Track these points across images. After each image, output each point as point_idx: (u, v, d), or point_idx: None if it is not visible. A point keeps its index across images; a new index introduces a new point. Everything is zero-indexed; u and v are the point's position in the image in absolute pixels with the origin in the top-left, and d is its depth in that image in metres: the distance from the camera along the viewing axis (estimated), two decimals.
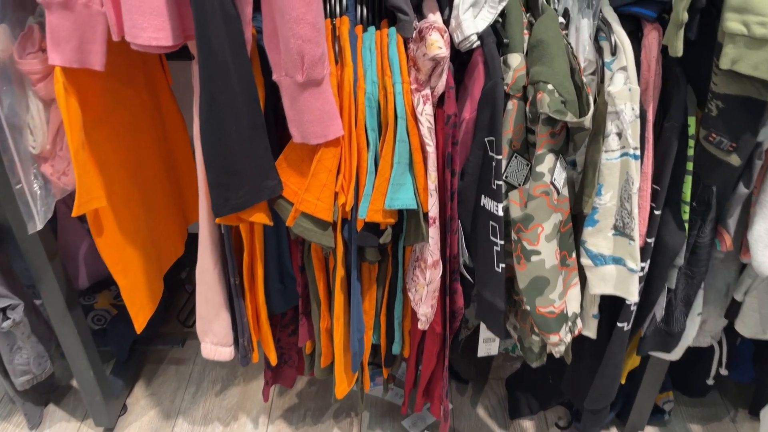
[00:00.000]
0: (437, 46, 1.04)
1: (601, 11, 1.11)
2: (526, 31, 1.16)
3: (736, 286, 1.32)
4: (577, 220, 1.18)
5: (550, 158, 1.04)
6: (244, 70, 0.99)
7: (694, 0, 0.93)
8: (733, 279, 1.35)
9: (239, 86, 0.98)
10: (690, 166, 1.13)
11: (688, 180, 1.14)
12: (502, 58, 1.13)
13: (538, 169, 1.04)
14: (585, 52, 1.14)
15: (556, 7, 1.19)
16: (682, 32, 0.96)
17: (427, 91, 1.11)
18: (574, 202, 1.16)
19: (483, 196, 1.15)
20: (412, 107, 1.10)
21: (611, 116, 1.05)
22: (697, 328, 1.33)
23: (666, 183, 1.09)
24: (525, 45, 1.14)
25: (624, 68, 1.04)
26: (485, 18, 1.12)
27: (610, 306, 1.24)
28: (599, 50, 1.12)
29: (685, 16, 0.94)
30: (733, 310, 1.36)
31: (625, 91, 1.03)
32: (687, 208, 1.16)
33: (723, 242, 1.23)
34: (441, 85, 1.10)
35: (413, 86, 1.10)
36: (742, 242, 1.25)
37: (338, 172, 1.12)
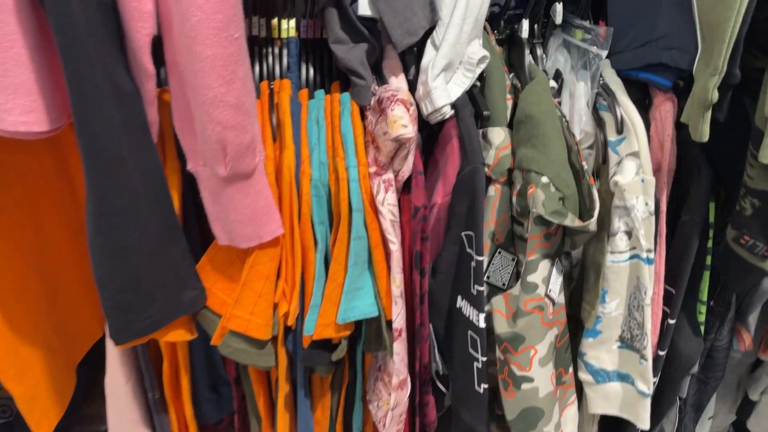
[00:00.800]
0: (401, 124, 0.82)
1: (601, 75, 0.90)
2: (509, 97, 0.95)
3: (752, 384, 1.13)
4: (572, 320, 0.97)
5: (544, 265, 0.82)
6: (148, 161, 0.75)
7: (727, 76, 0.73)
8: (746, 372, 1.16)
9: (142, 183, 0.74)
10: (708, 260, 0.93)
11: (706, 276, 0.94)
12: (481, 131, 0.91)
13: (530, 279, 0.83)
14: (581, 123, 0.93)
15: (545, 66, 0.97)
16: (709, 114, 0.76)
17: (390, 176, 0.88)
18: (570, 304, 0.95)
19: (460, 298, 0.93)
20: (371, 196, 0.88)
21: (619, 211, 0.84)
22: None
23: (683, 286, 0.89)
24: (508, 113, 0.93)
25: (635, 154, 0.83)
26: (460, 84, 0.90)
27: (612, 424, 1.04)
28: (599, 122, 0.92)
29: (716, 96, 0.74)
30: (746, 408, 1.17)
31: (637, 183, 0.82)
32: (704, 309, 0.96)
33: (741, 341, 1.04)
34: (407, 170, 0.88)
35: (372, 169, 0.88)
36: (762, 339, 1.05)
37: (278, 276, 0.89)
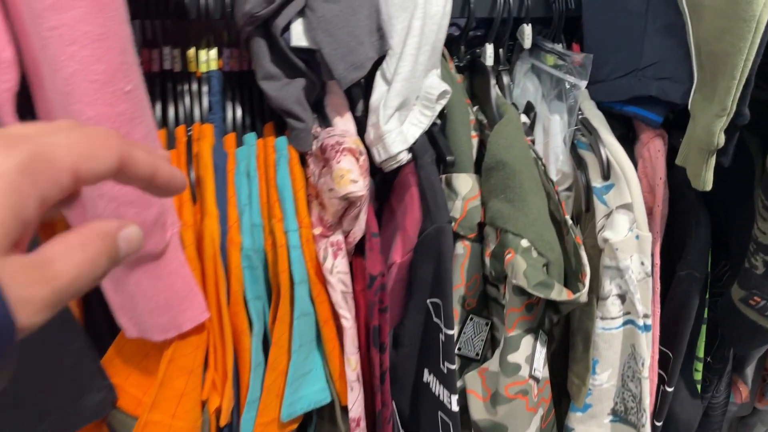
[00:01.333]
0: (350, 179, 0.67)
1: (580, 109, 0.78)
2: (474, 134, 0.82)
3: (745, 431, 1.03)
4: (554, 388, 0.84)
5: (527, 342, 0.69)
6: None
7: (736, 116, 0.61)
8: (735, 418, 1.06)
9: None
10: (706, 312, 0.81)
11: (703, 331, 0.83)
12: (444, 177, 0.77)
13: (511, 359, 0.69)
14: (558, 163, 0.80)
15: (514, 96, 0.84)
16: (713, 160, 0.64)
17: (339, 237, 0.73)
18: (552, 370, 0.82)
19: (427, 371, 0.79)
20: (317, 263, 0.73)
21: (610, 272, 0.71)
22: None
23: (682, 350, 0.77)
24: (474, 152, 0.80)
25: (628, 206, 0.70)
26: (418, 123, 0.76)
27: None
28: (579, 161, 0.79)
29: (722, 140, 0.62)
30: None
31: (631, 241, 0.70)
32: (700, 366, 0.85)
33: (738, 394, 0.93)
34: (359, 230, 0.73)
35: (317, 230, 0.73)
36: (759, 389, 0.95)
37: (206, 367, 0.73)
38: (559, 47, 0.83)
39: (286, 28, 0.70)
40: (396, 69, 0.72)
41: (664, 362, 0.80)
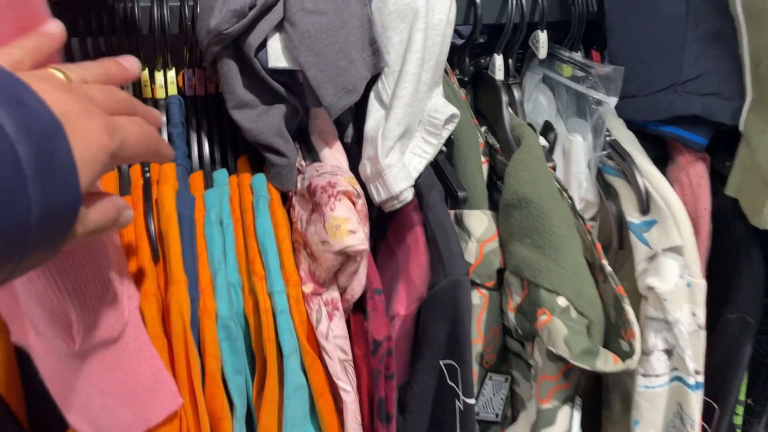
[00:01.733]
0: (347, 230, 0.55)
1: (607, 129, 0.67)
2: (483, 159, 0.70)
3: None
4: None
5: (564, 415, 0.58)
6: None
7: None
8: None
9: None
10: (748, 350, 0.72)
11: (745, 373, 0.73)
12: (453, 214, 0.66)
13: None
14: (581, 190, 0.69)
15: (526, 113, 0.73)
16: None
17: (334, 294, 0.61)
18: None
19: None
20: (309, 326, 0.61)
21: (656, 325, 0.61)
22: None
23: (730, 403, 0.68)
24: (485, 177, 0.68)
25: (676, 249, 0.60)
26: (422, 154, 0.64)
27: None
28: (605, 189, 0.68)
29: None
30: None
31: (682, 290, 0.59)
32: (741, 410, 0.76)
33: None
34: (358, 287, 0.61)
35: (308, 288, 0.60)
36: None
37: None
38: (578, 56, 0.72)
39: (261, 46, 0.57)
40: (395, 91, 0.60)
41: (708, 416, 0.70)
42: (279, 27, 0.57)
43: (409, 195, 0.62)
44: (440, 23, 0.62)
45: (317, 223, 0.58)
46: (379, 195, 0.62)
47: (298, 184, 0.65)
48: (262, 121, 0.60)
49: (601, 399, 0.70)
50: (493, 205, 0.67)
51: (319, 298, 0.61)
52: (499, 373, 0.69)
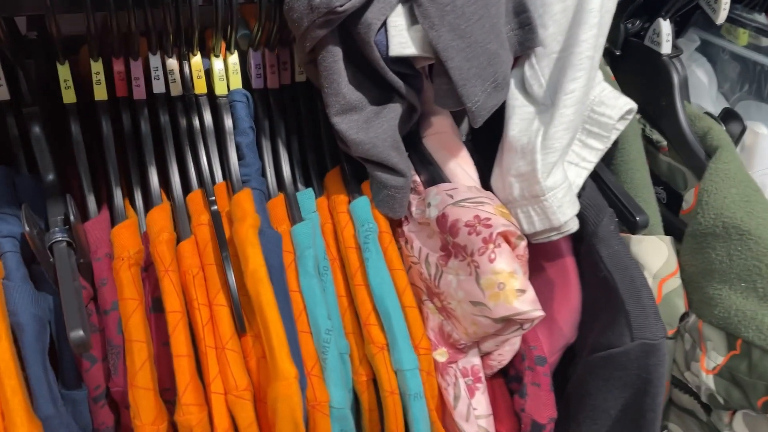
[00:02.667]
0: (515, 289, 0.39)
1: None
2: None
3: None
4: None
5: None
6: None
7: None
8: None
9: None
10: None
11: None
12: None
13: None
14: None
15: (704, 102, 0.56)
16: None
17: (474, 362, 0.46)
18: None
19: None
20: (440, 403, 0.45)
21: None
22: None
23: None
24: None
25: None
26: (581, 163, 0.47)
27: None
28: None
29: None
30: None
31: None
32: None
33: None
34: (509, 354, 0.46)
35: (441, 356, 0.45)
36: None
37: None
38: (762, 18, 0.54)
39: (379, 28, 0.39)
40: (562, 83, 0.43)
41: None
42: (406, 1, 0.39)
43: (574, 226, 0.45)
44: None
45: (462, 275, 0.42)
46: (531, 225, 0.46)
47: (413, 207, 0.48)
48: (373, 129, 0.43)
49: None
50: None
51: (455, 367, 0.46)
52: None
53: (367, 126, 0.43)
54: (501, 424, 0.48)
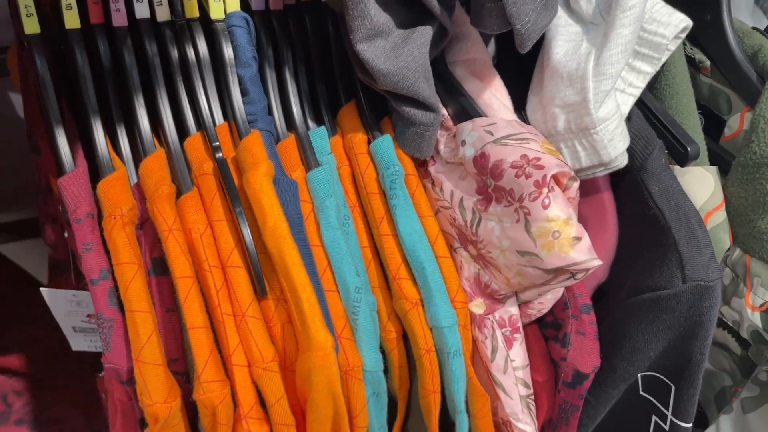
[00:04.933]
0: (571, 237, 0.35)
1: None
2: None
3: None
4: None
5: None
6: None
7: None
8: None
9: None
10: None
11: None
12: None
13: None
14: None
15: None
16: None
17: (512, 311, 0.42)
18: None
19: None
20: (476, 356, 0.42)
21: None
22: None
23: None
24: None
25: None
26: (627, 89, 0.42)
27: None
28: None
29: None
30: None
31: None
32: None
33: None
34: (550, 303, 0.43)
35: (477, 307, 0.41)
36: None
37: None
38: None
39: None
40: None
41: None
42: None
43: (624, 160, 0.41)
44: None
45: (507, 221, 0.38)
46: (577, 160, 0.41)
47: (441, 145, 0.43)
48: (402, 57, 0.37)
49: None
50: None
51: (492, 318, 0.42)
52: None
53: (395, 54, 0.37)
54: (537, 373, 0.46)
